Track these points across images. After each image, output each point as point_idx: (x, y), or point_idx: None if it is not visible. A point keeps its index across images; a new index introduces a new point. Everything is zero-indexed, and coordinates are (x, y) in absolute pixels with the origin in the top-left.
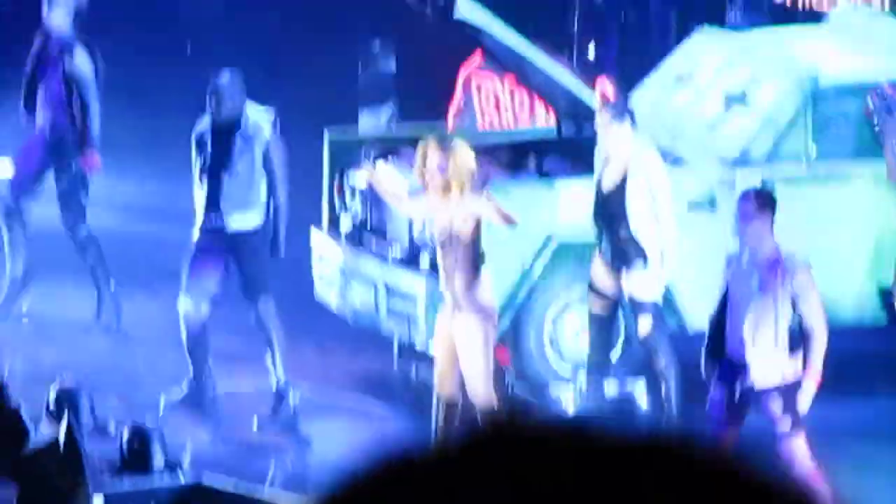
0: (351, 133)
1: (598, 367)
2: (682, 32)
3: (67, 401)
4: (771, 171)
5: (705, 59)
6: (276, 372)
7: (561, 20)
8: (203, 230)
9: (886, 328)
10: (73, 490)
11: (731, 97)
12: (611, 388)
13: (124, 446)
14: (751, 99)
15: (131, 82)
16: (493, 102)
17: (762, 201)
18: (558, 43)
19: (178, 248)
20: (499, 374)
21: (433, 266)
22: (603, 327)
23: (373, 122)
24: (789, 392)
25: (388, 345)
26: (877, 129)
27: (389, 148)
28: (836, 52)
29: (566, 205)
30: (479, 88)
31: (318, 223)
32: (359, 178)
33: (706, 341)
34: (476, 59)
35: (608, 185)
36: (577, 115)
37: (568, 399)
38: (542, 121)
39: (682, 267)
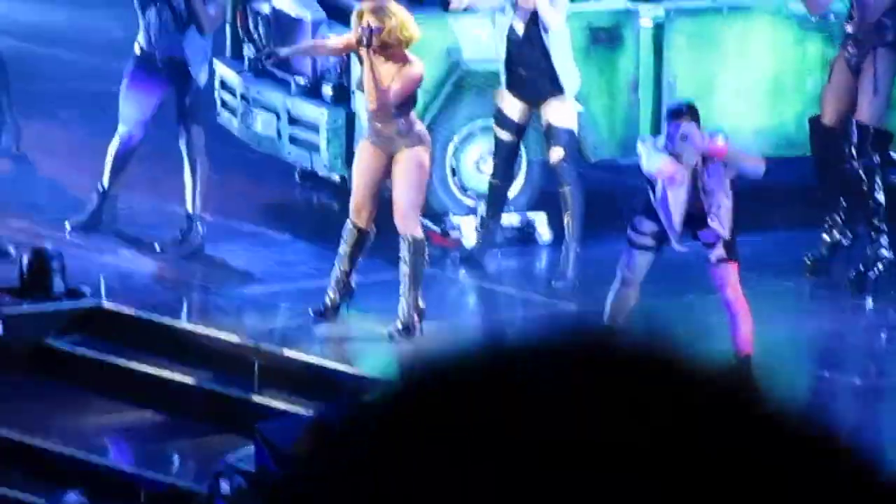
0: None
1: (500, 196)
2: None
3: None
4: (675, 2)
5: None
6: (194, 202)
7: None
8: (142, 55)
9: (791, 160)
10: None
11: None
12: (512, 218)
13: (24, 270)
14: None
15: None
16: None
17: (691, 116)
18: None
19: (90, 74)
20: None
21: (336, 95)
22: (507, 156)
23: None
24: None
25: (290, 171)
26: None
27: None
28: None
29: (470, 33)
30: None
31: (222, 51)
32: (263, 4)
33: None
34: None
35: (520, 21)
36: None
37: (469, 229)
38: None
39: (585, 98)
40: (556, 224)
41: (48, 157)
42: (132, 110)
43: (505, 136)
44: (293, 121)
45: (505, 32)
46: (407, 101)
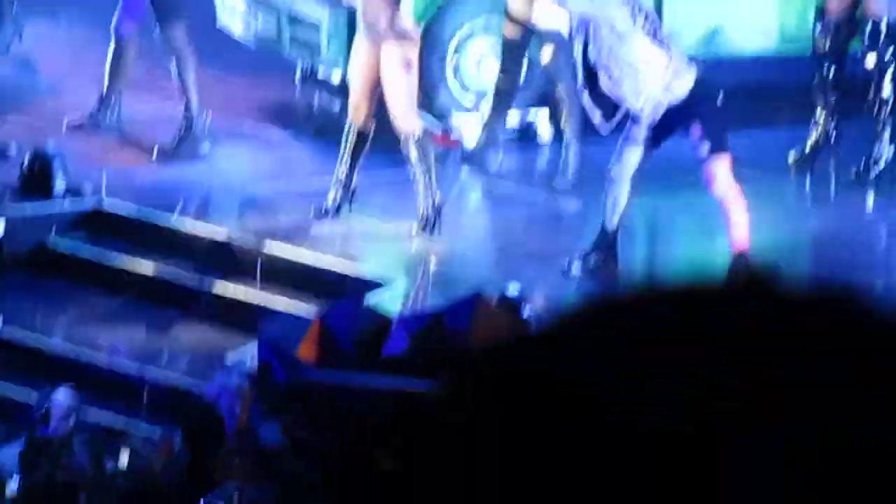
0: None
1: (506, 95)
2: None
3: None
4: None
5: None
6: (188, 97)
7: None
8: None
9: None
10: None
11: None
12: (513, 118)
13: (25, 170)
14: None
15: None
16: None
17: None
18: None
19: None
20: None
21: None
22: (514, 54)
23: None
24: (707, 116)
25: (291, 72)
26: None
27: None
28: None
29: None
30: None
31: None
32: None
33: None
34: None
35: None
36: None
37: (470, 128)
38: None
39: None
40: (557, 122)
41: (50, 58)
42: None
43: (510, 32)
44: (293, 20)
45: None
46: None
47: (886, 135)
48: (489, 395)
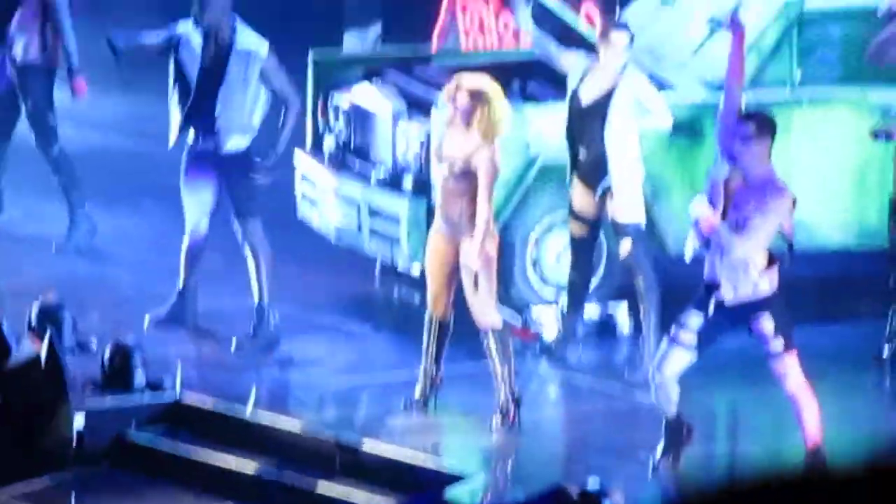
0: (335, 53)
1: (579, 289)
2: None
3: (49, 317)
4: (755, 95)
5: None
6: (261, 293)
7: None
8: (195, 150)
9: (871, 253)
10: (54, 406)
11: (715, 21)
12: (592, 310)
13: (106, 364)
14: None
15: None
16: (477, 24)
17: (762, 124)
18: None
19: (159, 166)
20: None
21: (416, 188)
22: (583, 249)
23: (358, 42)
24: (778, 312)
25: (370, 265)
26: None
27: (374, 69)
28: None
29: (549, 126)
30: (464, 9)
31: (302, 144)
32: (343, 98)
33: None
34: None
35: (589, 97)
36: (561, 39)
37: (549, 321)
38: (526, 43)
39: (664, 191)
40: (637, 315)
41: (129, 251)
42: (193, 204)
43: (577, 228)
44: (373, 213)
45: (568, 95)
46: (476, 187)
47: None
48: None
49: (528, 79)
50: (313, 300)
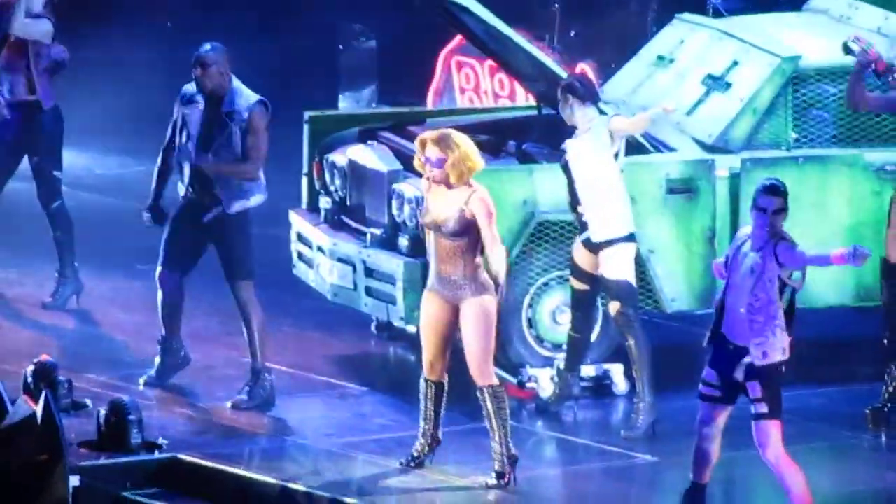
0: (330, 113)
1: (579, 347)
2: (663, 18)
3: (44, 378)
4: (750, 155)
5: (686, 42)
6: (254, 355)
7: (542, 4)
8: (185, 208)
9: (866, 312)
10: (50, 467)
11: (711, 81)
12: (589, 369)
13: (102, 423)
14: (731, 83)
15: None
16: (473, 83)
17: (784, 195)
18: (539, 27)
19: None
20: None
21: (412, 247)
22: (584, 307)
23: (353, 102)
24: (771, 375)
25: (366, 324)
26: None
27: (369, 130)
28: (816, 37)
29: (545, 184)
30: (459, 69)
31: (298, 203)
32: (338, 157)
33: (712, 324)
34: (457, 41)
35: (573, 158)
36: (557, 98)
37: (545, 381)
38: (522, 103)
39: (660, 249)
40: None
41: (124, 312)
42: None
43: (578, 285)
44: (369, 272)
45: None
46: (472, 245)
47: None
48: None
49: (523, 137)
50: (309, 359)
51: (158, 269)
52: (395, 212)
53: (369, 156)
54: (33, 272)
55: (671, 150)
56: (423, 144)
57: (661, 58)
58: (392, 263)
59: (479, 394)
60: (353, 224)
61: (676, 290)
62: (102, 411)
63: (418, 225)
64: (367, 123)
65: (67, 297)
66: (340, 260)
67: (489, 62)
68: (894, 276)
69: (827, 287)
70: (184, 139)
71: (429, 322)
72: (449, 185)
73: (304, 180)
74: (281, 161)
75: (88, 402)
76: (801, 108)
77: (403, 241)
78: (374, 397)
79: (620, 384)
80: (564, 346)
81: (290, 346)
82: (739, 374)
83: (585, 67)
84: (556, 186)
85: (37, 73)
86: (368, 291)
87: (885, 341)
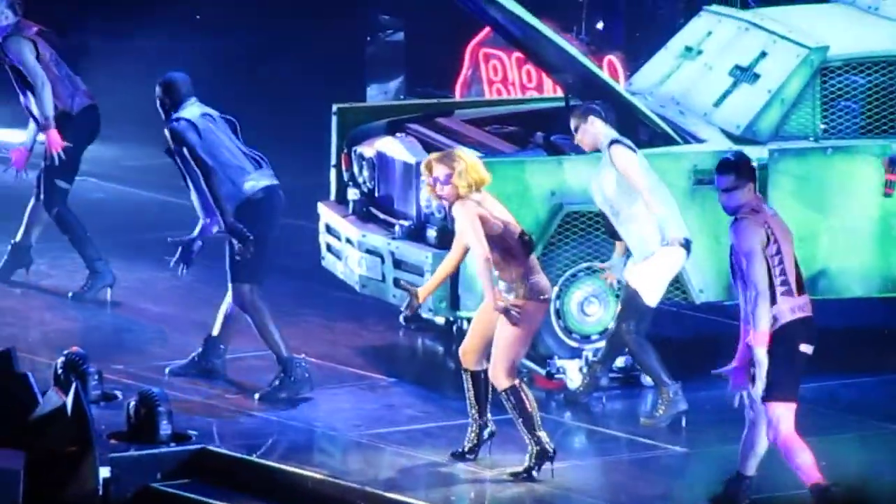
0: (358, 104)
1: (618, 342)
2: (691, 10)
3: (74, 370)
4: (778, 146)
5: (714, 33)
6: (273, 349)
7: None
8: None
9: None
10: (80, 458)
11: (739, 72)
12: (618, 360)
13: (131, 415)
14: (759, 74)
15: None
16: (500, 75)
17: (736, 170)
18: (567, 18)
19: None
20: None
21: (440, 238)
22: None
23: (381, 94)
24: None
25: (395, 315)
26: None
27: (397, 122)
28: (843, 28)
29: (573, 176)
30: (486, 61)
31: (326, 194)
32: (366, 149)
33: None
34: (484, 33)
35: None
36: (584, 89)
37: (573, 372)
38: (549, 94)
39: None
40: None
41: (154, 303)
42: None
43: (611, 278)
44: (398, 263)
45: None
46: (507, 251)
47: None
48: None
49: (551, 128)
50: (338, 351)
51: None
52: (423, 203)
53: (397, 147)
54: (63, 264)
55: (699, 141)
56: (429, 167)
57: (688, 49)
58: (420, 255)
59: (501, 396)
60: (382, 215)
61: (704, 281)
62: (132, 403)
63: (446, 216)
64: (396, 115)
65: (98, 290)
66: (369, 251)
67: (517, 54)
68: None
69: (853, 278)
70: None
71: (479, 311)
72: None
73: (333, 172)
74: (309, 153)
75: (118, 393)
76: (829, 98)
77: (431, 233)
78: (403, 388)
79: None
80: (595, 337)
81: (318, 337)
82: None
83: (613, 59)
84: (584, 178)
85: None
86: (397, 283)
87: None
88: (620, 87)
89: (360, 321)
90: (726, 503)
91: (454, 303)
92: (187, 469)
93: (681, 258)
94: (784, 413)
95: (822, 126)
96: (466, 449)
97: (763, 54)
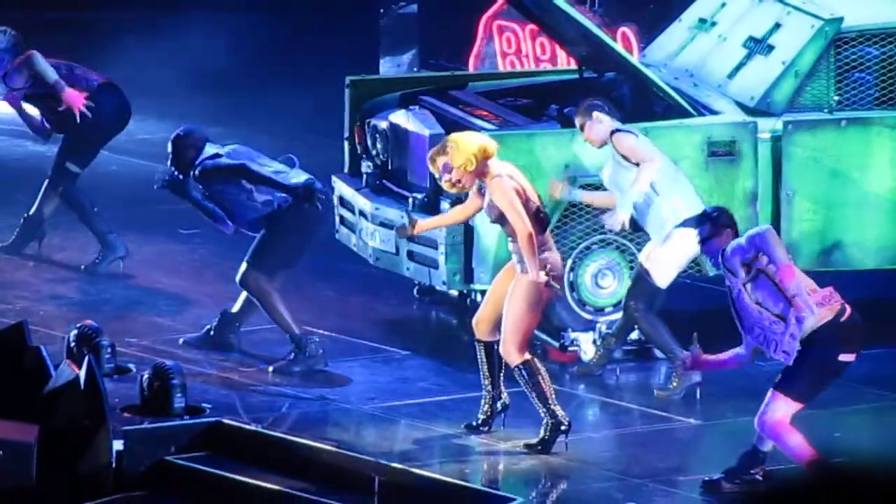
0: (371, 77)
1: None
2: None
3: (87, 342)
4: (792, 118)
5: (728, 5)
6: (282, 328)
7: None
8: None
9: None
10: (93, 431)
11: (752, 44)
12: (632, 333)
13: (145, 388)
14: (773, 46)
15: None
16: (514, 47)
17: (711, 221)
18: None
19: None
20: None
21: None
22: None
23: (394, 66)
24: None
25: (409, 288)
26: None
27: (411, 95)
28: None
29: (587, 149)
30: (500, 33)
31: (340, 167)
32: (380, 122)
33: None
34: (498, 5)
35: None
36: (598, 61)
37: (587, 344)
38: (563, 66)
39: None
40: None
41: (167, 276)
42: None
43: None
44: (411, 236)
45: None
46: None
47: None
48: None
49: (564, 101)
50: (352, 323)
51: None
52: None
53: (411, 120)
54: (77, 237)
55: (713, 112)
56: (433, 163)
57: (702, 21)
58: None
59: (514, 371)
60: (395, 188)
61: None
62: (146, 376)
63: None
64: (409, 88)
65: (110, 262)
66: (383, 224)
67: (530, 26)
68: None
69: (868, 250)
70: None
71: (494, 283)
72: (481, 179)
73: (346, 145)
74: (323, 126)
75: (132, 366)
76: (843, 70)
77: (445, 206)
78: (417, 361)
79: None
80: (609, 310)
81: (332, 310)
82: None
83: (627, 31)
84: (597, 150)
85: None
86: (411, 255)
87: None
88: (634, 59)
89: (373, 294)
90: (741, 475)
91: (468, 276)
92: (201, 442)
93: (695, 243)
94: (783, 409)
95: (836, 98)
96: (480, 421)
97: (777, 26)
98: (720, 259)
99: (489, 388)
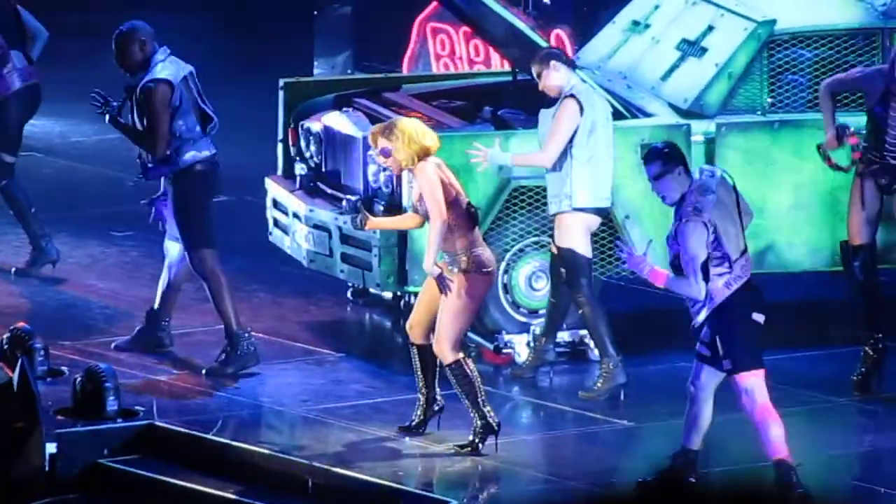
0: (305, 79)
1: (558, 313)
2: None
3: (20, 345)
4: (726, 120)
5: (661, 7)
6: (224, 320)
7: None
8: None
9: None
10: (26, 434)
11: (686, 46)
12: (564, 335)
13: (78, 390)
14: (706, 48)
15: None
16: (448, 49)
17: (662, 158)
18: None
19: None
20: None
21: (387, 214)
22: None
23: (328, 68)
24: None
25: (342, 290)
26: None
27: (345, 97)
28: (790, 2)
29: (521, 151)
30: (434, 35)
31: (273, 169)
32: (314, 124)
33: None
34: (431, 7)
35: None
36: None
37: (521, 346)
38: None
39: (635, 214)
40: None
41: (100, 279)
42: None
43: (556, 252)
44: (345, 239)
45: None
46: (453, 221)
47: None
48: None
49: (498, 103)
50: (285, 326)
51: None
52: (370, 178)
53: (344, 122)
54: (8, 240)
55: (647, 114)
56: (374, 139)
57: (636, 23)
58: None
59: (446, 370)
60: (329, 190)
61: (651, 255)
62: (79, 378)
63: (393, 191)
64: (343, 90)
65: (41, 266)
66: (316, 226)
67: (464, 28)
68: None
69: (801, 252)
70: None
71: (426, 285)
72: (410, 170)
73: (280, 147)
74: (256, 128)
75: (65, 369)
76: (776, 72)
77: (379, 208)
78: (351, 364)
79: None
80: (543, 312)
81: (265, 312)
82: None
83: (561, 33)
84: (531, 152)
85: None
86: (344, 258)
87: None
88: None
89: (307, 296)
90: (674, 477)
91: (402, 278)
92: (135, 445)
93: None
94: (755, 381)
95: (770, 100)
96: (414, 424)
97: (710, 28)
98: (680, 229)
99: (424, 390)
